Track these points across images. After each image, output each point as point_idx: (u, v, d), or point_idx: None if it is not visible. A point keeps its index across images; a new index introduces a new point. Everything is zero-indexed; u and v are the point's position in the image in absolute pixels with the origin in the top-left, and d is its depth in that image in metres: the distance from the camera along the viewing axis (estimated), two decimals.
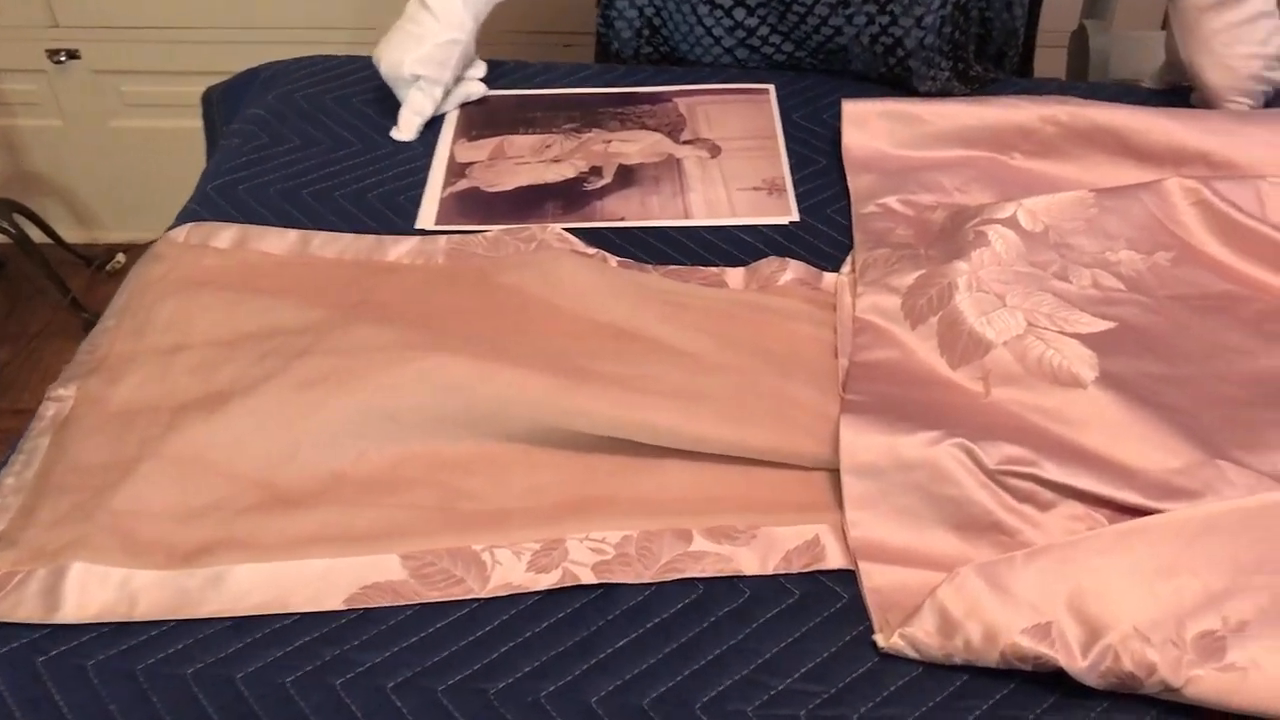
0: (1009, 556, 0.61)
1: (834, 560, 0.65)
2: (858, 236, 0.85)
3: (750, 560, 0.65)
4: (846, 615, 0.62)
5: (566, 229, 0.87)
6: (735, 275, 0.83)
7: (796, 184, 0.93)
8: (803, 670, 0.60)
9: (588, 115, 1.01)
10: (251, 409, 0.71)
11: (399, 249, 0.87)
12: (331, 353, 0.74)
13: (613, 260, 0.84)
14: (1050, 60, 1.40)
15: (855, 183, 0.91)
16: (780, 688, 0.59)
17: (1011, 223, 0.79)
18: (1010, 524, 0.64)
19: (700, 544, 0.65)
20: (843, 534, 0.65)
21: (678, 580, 0.64)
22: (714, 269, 0.84)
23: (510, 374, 0.71)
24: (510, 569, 0.64)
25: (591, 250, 0.85)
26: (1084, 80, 1.21)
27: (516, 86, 1.06)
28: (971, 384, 0.72)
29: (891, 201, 0.88)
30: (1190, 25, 0.95)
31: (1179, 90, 1.02)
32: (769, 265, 0.83)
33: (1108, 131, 0.90)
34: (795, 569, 0.64)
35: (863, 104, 0.95)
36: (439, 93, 1.00)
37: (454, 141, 0.99)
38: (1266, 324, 0.76)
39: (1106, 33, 1.22)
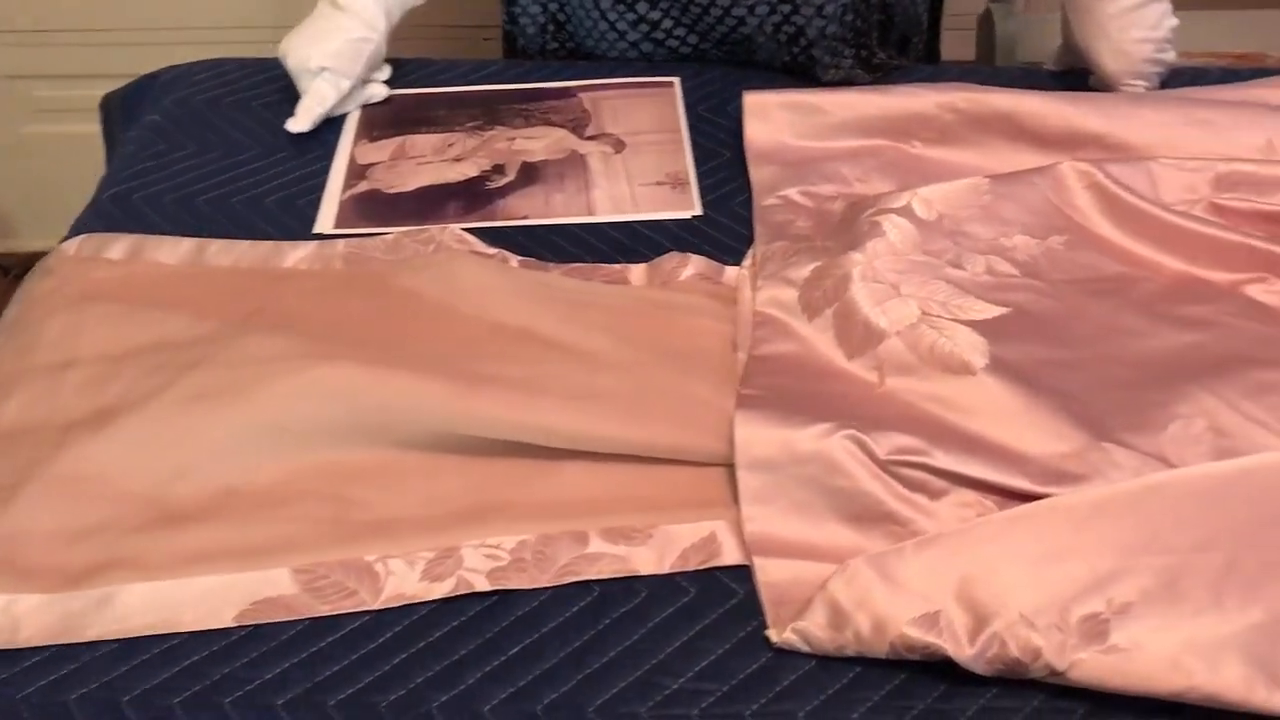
0: (899, 547, 0.61)
1: (730, 556, 0.65)
2: (758, 229, 0.85)
3: (647, 560, 0.64)
4: (741, 611, 0.62)
5: (467, 229, 0.86)
6: (638, 272, 0.83)
7: (701, 177, 0.93)
8: (697, 669, 0.60)
9: (491, 112, 1.00)
10: (141, 425, 0.70)
11: (296, 255, 0.85)
12: (223, 365, 0.73)
13: (514, 260, 0.84)
14: (961, 43, 1.41)
15: (757, 175, 0.91)
16: (674, 687, 0.59)
17: (906, 212, 0.80)
18: (902, 513, 0.64)
19: (597, 546, 0.65)
20: (739, 529, 0.65)
21: (575, 583, 0.64)
22: (617, 266, 0.84)
23: (404, 380, 0.70)
24: (404, 579, 0.64)
25: (492, 250, 0.84)
26: (991, 63, 1.22)
27: (420, 85, 1.05)
28: (867, 374, 0.72)
29: (792, 193, 0.88)
30: (1085, 11, 0.96)
31: (1078, 73, 1.03)
32: (670, 261, 0.83)
33: (1005, 117, 0.90)
34: (692, 567, 0.64)
35: (764, 95, 0.94)
36: (345, 85, 0.98)
37: (354, 143, 0.97)
38: (1158, 304, 0.77)
39: (1013, 16, 1.23)
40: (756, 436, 0.67)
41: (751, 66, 1.06)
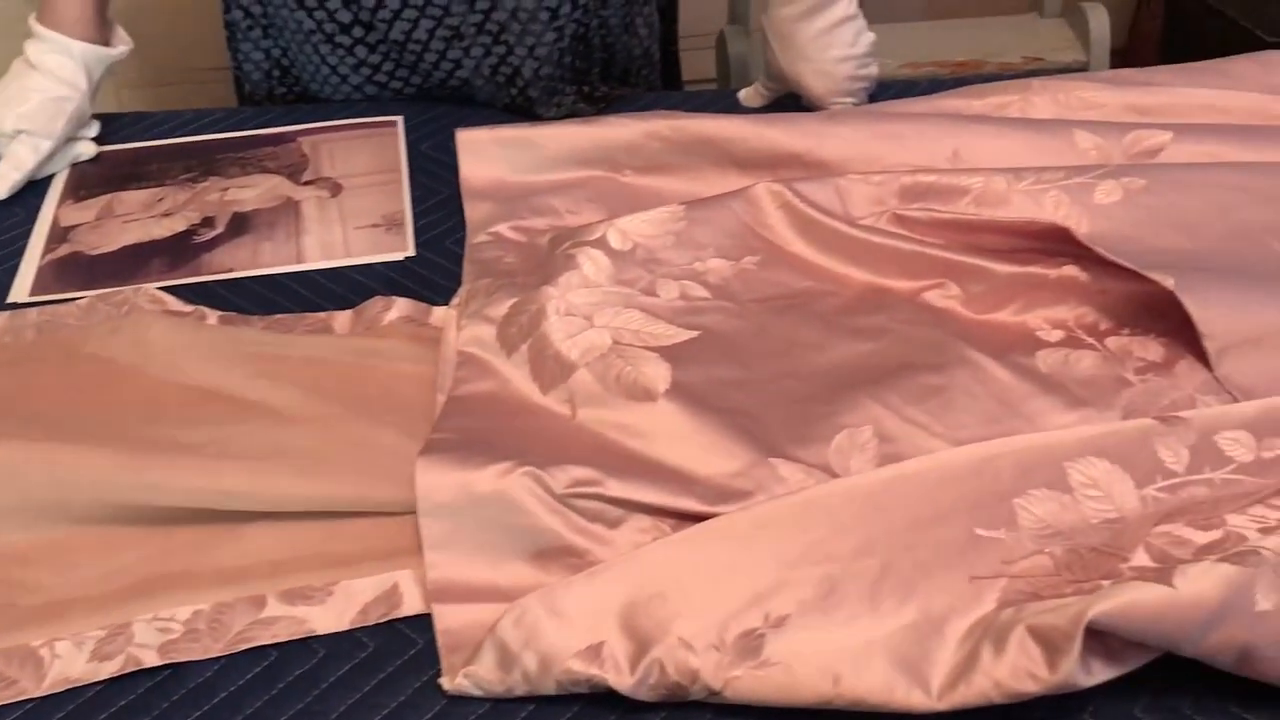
0: (569, 580, 0.62)
1: (412, 606, 0.64)
2: (467, 267, 0.85)
3: (325, 618, 0.64)
4: (420, 662, 0.62)
5: (167, 287, 0.84)
6: (342, 319, 0.82)
7: (419, 217, 0.93)
8: None
9: (207, 163, 0.98)
10: None
11: None
12: None
13: (212, 316, 0.82)
14: (709, 62, 1.44)
15: (472, 212, 0.91)
16: None
17: (601, 244, 0.81)
18: (580, 545, 0.65)
19: (274, 609, 0.64)
20: (424, 578, 0.65)
21: (251, 650, 0.62)
22: (321, 315, 0.83)
23: (75, 454, 0.68)
24: (70, 662, 0.61)
25: (188, 309, 0.82)
26: (729, 83, 1.25)
27: (136, 139, 1.02)
28: (560, 407, 0.73)
29: (503, 229, 0.88)
30: (786, 37, 0.99)
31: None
32: (375, 305, 0.82)
33: (708, 142, 0.92)
34: (372, 621, 0.64)
35: (477, 132, 0.95)
36: (46, 147, 0.95)
37: (59, 204, 0.94)
38: (838, 317, 0.79)
39: (746, 37, 1.27)
40: (437, 481, 0.66)
41: (478, 103, 1.07)
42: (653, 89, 1.17)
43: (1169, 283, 0.73)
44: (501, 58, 1.01)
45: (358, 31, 1.04)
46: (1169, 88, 0.96)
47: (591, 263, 0.80)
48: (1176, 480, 0.66)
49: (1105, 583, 0.61)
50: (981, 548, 0.63)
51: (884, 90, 1.05)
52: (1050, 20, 1.39)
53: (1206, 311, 0.73)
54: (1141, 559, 0.63)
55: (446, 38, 1.03)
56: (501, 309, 0.78)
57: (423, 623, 0.64)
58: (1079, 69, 1.31)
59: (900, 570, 0.62)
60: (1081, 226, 0.83)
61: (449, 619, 0.63)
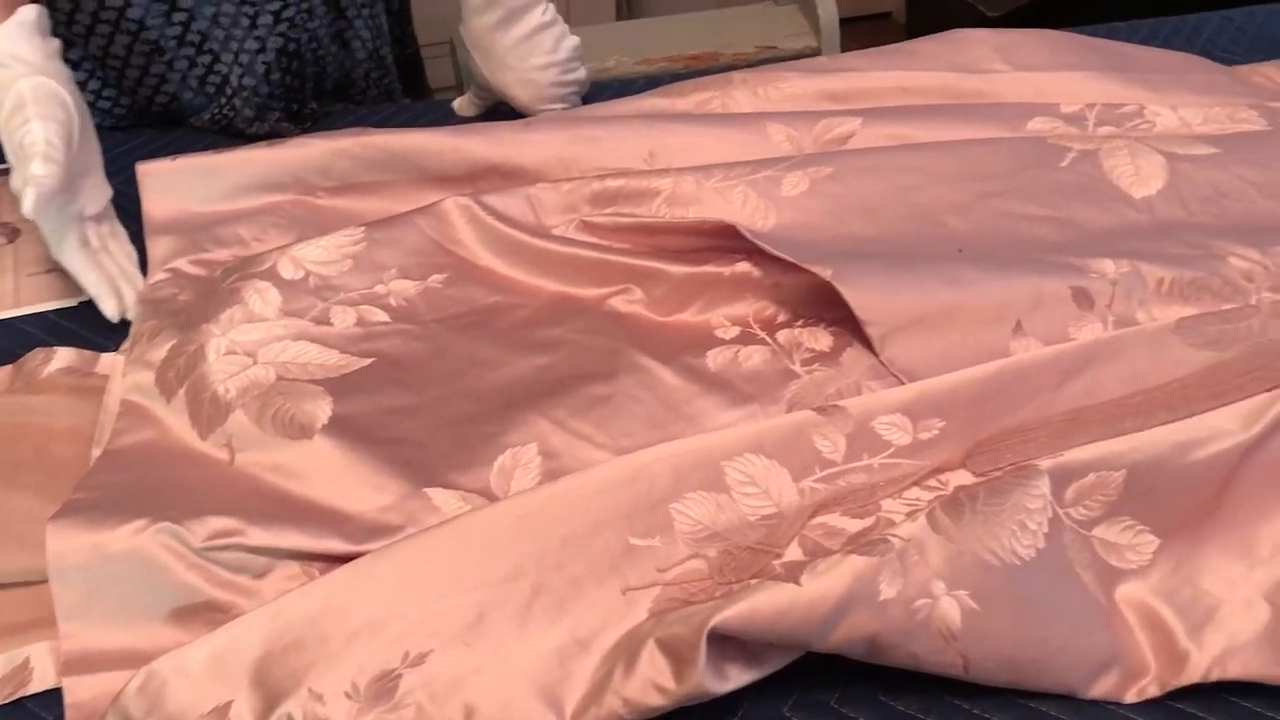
0: (203, 639, 0.59)
1: (44, 681, 0.61)
2: (137, 309, 0.81)
3: None
4: None
5: None
6: (0, 375, 0.77)
7: None
8: None
9: None
10: None
11: None
12: None
13: None
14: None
15: (153, 249, 0.86)
16: None
17: (270, 274, 0.78)
18: (223, 600, 0.62)
19: None
20: (59, 650, 0.61)
21: None
22: None
23: None
24: None
25: None
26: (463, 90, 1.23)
27: None
28: (218, 453, 0.70)
29: (183, 264, 0.85)
30: (485, 47, 0.97)
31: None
32: (35, 358, 0.78)
33: (401, 157, 0.90)
34: None
35: (158, 163, 0.90)
36: None
37: None
38: (524, 331, 0.78)
39: None
40: (68, 545, 0.63)
41: (180, 128, 1.03)
42: (391, 96, 1.14)
43: (826, 273, 0.73)
44: (208, 67, 0.98)
45: None
46: (861, 72, 0.97)
47: (258, 295, 0.77)
48: (834, 470, 0.66)
49: (755, 582, 0.61)
50: (636, 557, 0.62)
51: (601, 91, 1.05)
52: (784, 7, 1.40)
53: (866, 297, 0.73)
54: (795, 553, 0.63)
55: (147, 52, 0.99)
56: (161, 352, 0.75)
57: (55, 698, 0.60)
58: (812, 55, 1.33)
59: (553, 590, 0.61)
60: (769, 220, 0.83)
61: (79, 691, 0.60)
